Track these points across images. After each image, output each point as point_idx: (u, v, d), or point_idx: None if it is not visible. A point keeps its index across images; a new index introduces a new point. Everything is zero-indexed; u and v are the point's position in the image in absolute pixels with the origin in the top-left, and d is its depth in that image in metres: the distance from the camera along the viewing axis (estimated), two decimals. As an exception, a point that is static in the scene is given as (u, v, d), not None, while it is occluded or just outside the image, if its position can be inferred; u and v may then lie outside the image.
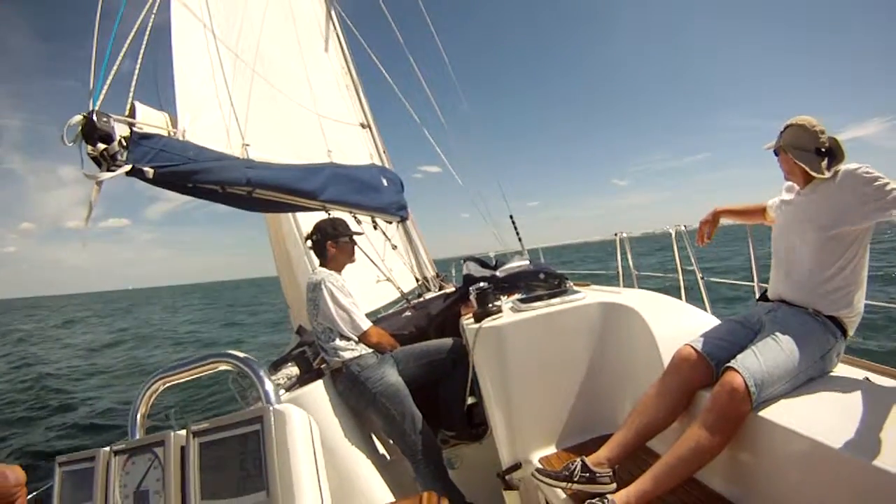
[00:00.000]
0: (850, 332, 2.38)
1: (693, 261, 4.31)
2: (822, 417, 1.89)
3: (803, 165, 2.39)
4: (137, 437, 1.91)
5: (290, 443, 1.59)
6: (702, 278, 4.27)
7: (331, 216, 3.79)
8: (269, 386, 1.76)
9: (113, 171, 2.33)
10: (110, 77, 2.47)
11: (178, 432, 1.72)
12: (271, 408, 1.63)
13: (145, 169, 2.43)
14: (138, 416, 1.94)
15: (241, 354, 1.89)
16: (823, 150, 2.38)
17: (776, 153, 2.57)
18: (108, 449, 1.78)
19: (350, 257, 3.68)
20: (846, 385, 2.11)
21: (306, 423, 1.69)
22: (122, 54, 2.58)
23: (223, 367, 1.93)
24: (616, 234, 5.21)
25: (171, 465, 1.63)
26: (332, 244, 3.54)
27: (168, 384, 1.97)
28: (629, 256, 5.09)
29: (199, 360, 1.95)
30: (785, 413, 1.99)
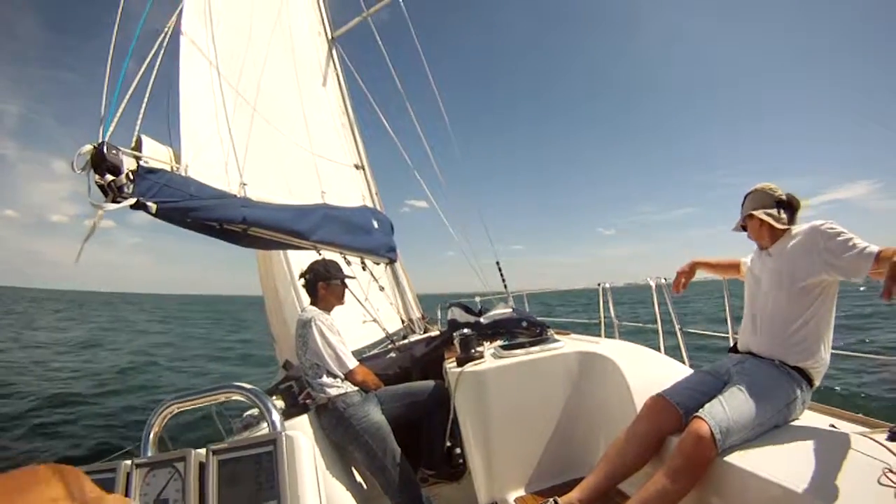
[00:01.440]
0: (817, 382, 2.49)
1: (672, 312, 4.39)
2: (785, 462, 1.98)
3: (769, 220, 2.55)
4: (150, 453, 2.02)
5: (298, 463, 1.78)
6: (680, 329, 4.36)
7: (325, 258, 3.87)
8: (275, 416, 1.98)
9: (119, 202, 2.40)
10: (120, 110, 2.55)
11: (199, 450, 1.86)
12: (283, 433, 1.81)
13: (149, 204, 2.49)
14: (151, 435, 2.06)
15: (249, 386, 2.05)
16: (782, 200, 2.58)
17: (744, 228, 2.74)
18: (129, 462, 1.89)
19: (340, 299, 3.75)
20: (810, 432, 2.20)
21: (311, 448, 1.90)
22: (132, 88, 2.66)
23: (235, 397, 2.06)
24: (599, 285, 5.30)
25: (192, 478, 1.76)
26: (324, 285, 3.63)
27: (180, 409, 2.09)
28: (611, 306, 5.18)
29: (212, 390, 2.08)
30: (749, 458, 2.08)
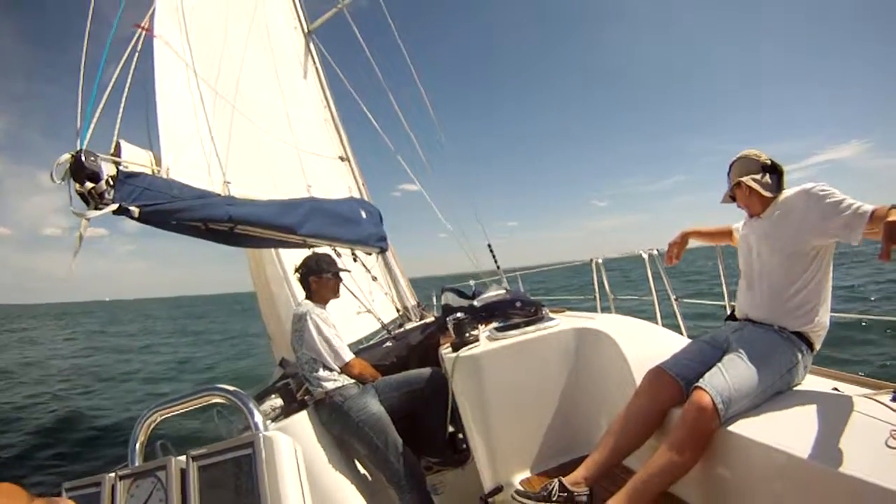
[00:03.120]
0: (817, 346, 2.47)
1: (666, 283, 4.38)
2: (790, 429, 1.96)
3: (757, 187, 2.53)
4: (137, 463, 2.02)
5: (278, 464, 1.77)
6: (675, 299, 4.35)
7: (317, 252, 3.85)
8: (258, 417, 1.95)
9: (101, 209, 2.38)
10: (96, 117, 2.53)
11: (179, 457, 1.87)
12: (261, 434, 1.78)
13: (131, 208, 2.48)
14: (137, 445, 2.06)
15: (231, 388, 2.04)
16: (767, 165, 2.56)
17: (733, 198, 2.72)
18: (112, 474, 1.89)
19: (334, 293, 3.74)
20: (813, 396, 2.18)
21: (291, 447, 1.89)
22: (107, 94, 2.63)
23: (216, 399, 2.05)
24: (592, 259, 5.29)
25: (174, 487, 1.77)
26: (316, 279, 3.62)
27: (164, 416, 2.09)
28: (605, 281, 5.17)
29: (194, 394, 2.08)
30: (754, 427, 2.06)
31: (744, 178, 2.58)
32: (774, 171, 2.59)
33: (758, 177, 2.56)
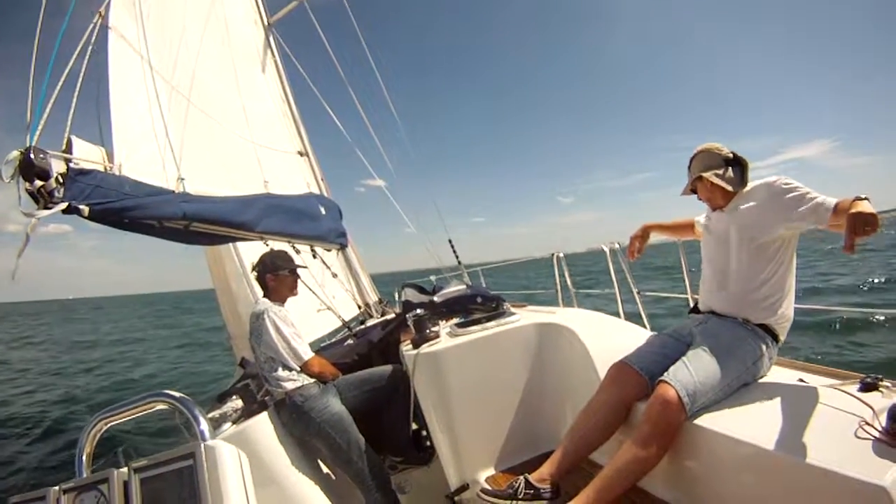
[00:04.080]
0: (782, 338, 2.51)
1: (628, 276, 4.41)
2: (756, 420, 1.99)
3: (721, 183, 2.54)
4: (84, 475, 1.98)
5: (220, 475, 1.75)
6: (638, 293, 4.38)
7: (273, 249, 3.80)
8: (203, 425, 1.92)
9: (50, 208, 2.33)
10: (46, 112, 2.46)
11: (121, 469, 1.84)
12: (202, 444, 1.77)
13: (81, 207, 2.41)
14: (84, 456, 2.02)
15: (177, 394, 2.01)
16: (730, 159, 2.58)
17: (694, 191, 2.73)
18: (57, 488, 1.86)
19: (291, 290, 3.69)
20: (778, 388, 2.22)
21: (236, 457, 1.87)
22: (57, 88, 2.56)
23: (160, 406, 2.02)
24: (553, 254, 5.31)
25: (116, 499, 1.74)
26: (272, 277, 3.57)
27: (110, 424, 2.05)
28: (567, 275, 5.19)
29: (138, 401, 2.05)
30: (720, 419, 2.08)
31: (706, 174, 2.58)
32: (737, 164, 2.60)
33: (720, 171, 2.58)
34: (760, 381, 2.39)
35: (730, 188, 2.55)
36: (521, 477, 2.43)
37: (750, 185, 2.56)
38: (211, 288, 6.92)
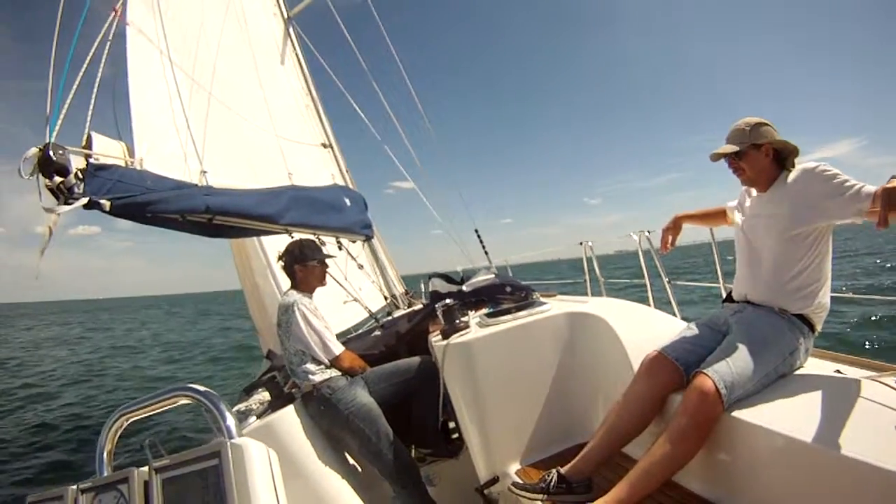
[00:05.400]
0: (818, 328, 2.42)
1: (659, 266, 4.33)
2: (794, 413, 1.92)
3: (767, 164, 2.42)
4: (105, 473, 1.93)
5: (248, 475, 1.66)
6: (668, 282, 4.30)
7: (300, 239, 3.76)
8: (229, 421, 1.83)
9: (70, 203, 2.31)
10: (66, 107, 2.45)
11: (142, 469, 1.77)
12: (229, 442, 1.68)
13: (102, 201, 2.40)
14: (104, 454, 1.97)
15: (203, 388, 1.93)
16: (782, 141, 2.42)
17: (738, 155, 2.48)
18: (75, 487, 1.81)
19: (320, 280, 3.65)
20: (816, 379, 2.15)
21: (265, 455, 1.76)
22: (76, 84, 2.55)
23: (184, 400, 1.95)
24: (582, 243, 5.22)
25: (136, 500, 1.67)
26: (300, 268, 3.52)
27: (132, 419, 1.99)
28: (595, 265, 5.11)
29: (162, 395, 1.98)
30: (757, 412, 2.01)
31: (761, 142, 2.40)
32: (787, 149, 2.44)
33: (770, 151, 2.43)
34: (797, 372, 2.32)
35: (775, 170, 2.44)
36: (553, 470, 2.38)
37: (794, 172, 2.44)
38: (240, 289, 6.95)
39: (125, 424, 2.02)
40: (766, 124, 2.44)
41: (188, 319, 48.28)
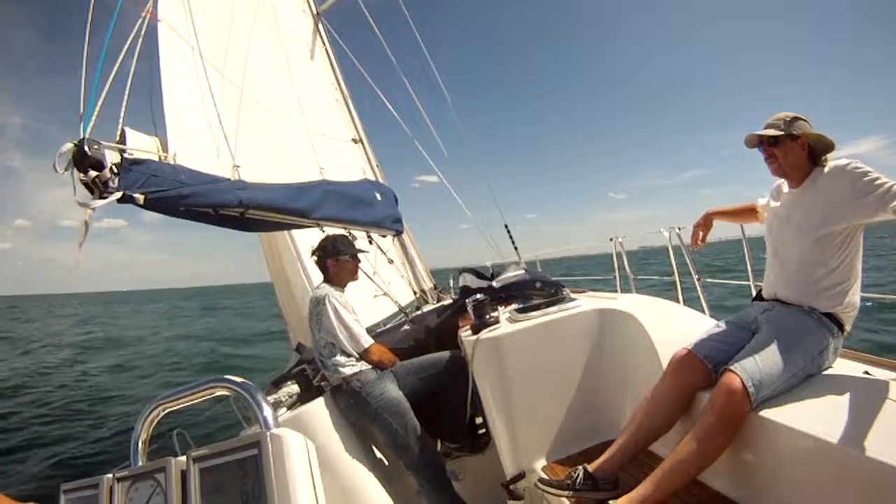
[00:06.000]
0: (848, 328, 2.38)
1: (689, 263, 4.30)
2: (822, 414, 1.89)
3: (803, 157, 2.37)
4: (140, 463, 1.94)
5: (287, 466, 1.64)
6: (698, 280, 4.26)
7: (334, 234, 3.78)
8: (267, 412, 1.81)
9: (105, 197, 2.34)
10: (99, 103, 2.48)
11: (179, 458, 1.77)
12: (268, 433, 1.68)
13: (136, 195, 2.43)
14: (140, 443, 1.97)
15: (239, 380, 1.92)
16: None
17: (772, 142, 2.43)
18: (111, 475, 1.82)
19: (353, 275, 3.68)
20: (844, 380, 2.11)
21: (303, 446, 1.75)
22: (110, 80, 2.58)
23: (221, 392, 1.95)
24: (612, 239, 5.19)
25: (174, 490, 1.68)
26: (333, 262, 3.55)
27: (168, 409, 2.00)
28: (625, 261, 5.08)
29: (198, 386, 1.98)
30: (785, 411, 1.99)
31: (799, 132, 2.35)
32: (822, 144, 2.38)
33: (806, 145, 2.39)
34: (825, 372, 2.28)
35: (808, 165, 2.39)
36: (580, 467, 2.36)
37: (826, 168, 2.39)
38: (269, 282, 6.99)
39: (161, 414, 2.03)
40: (804, 119, 2.40)
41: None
